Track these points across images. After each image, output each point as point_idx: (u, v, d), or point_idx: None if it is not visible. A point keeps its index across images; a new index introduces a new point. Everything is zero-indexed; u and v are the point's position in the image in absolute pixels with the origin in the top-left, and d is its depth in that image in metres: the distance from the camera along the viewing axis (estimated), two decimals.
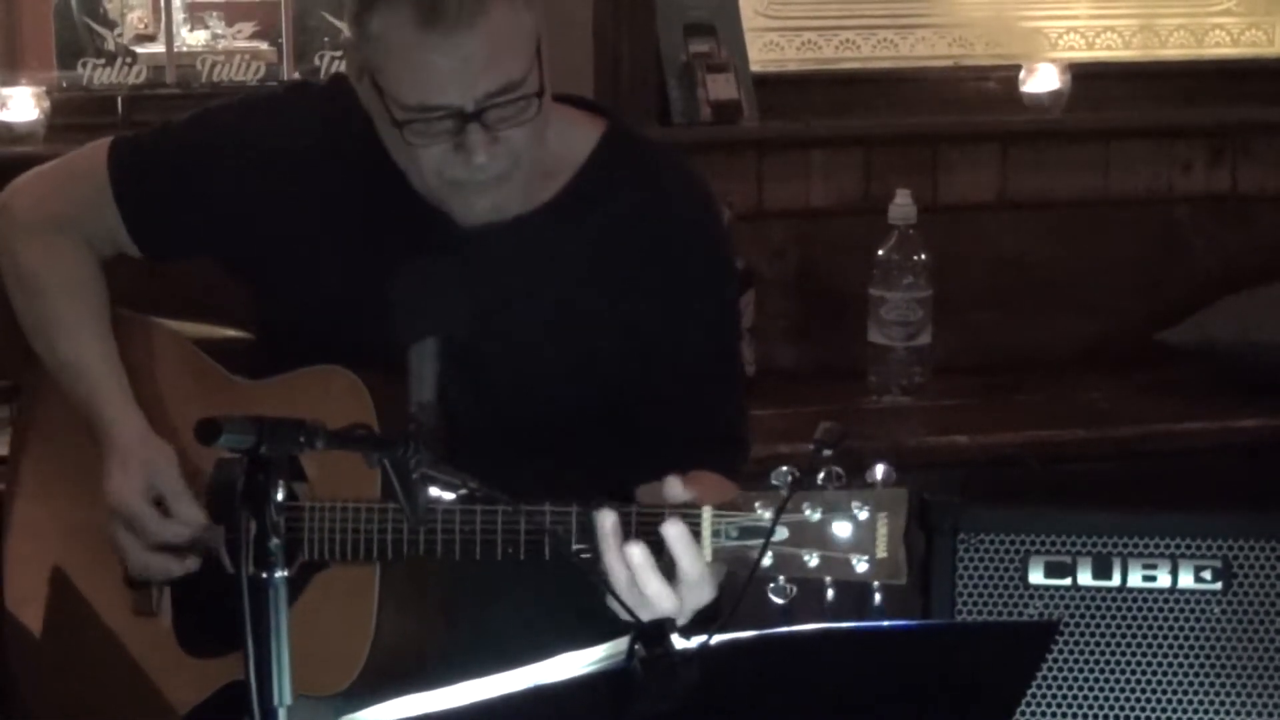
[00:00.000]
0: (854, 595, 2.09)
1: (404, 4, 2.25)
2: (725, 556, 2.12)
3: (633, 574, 2.13)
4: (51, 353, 2.59)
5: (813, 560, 2.08)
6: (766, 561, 2.09)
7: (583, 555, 2.16)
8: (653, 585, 2.13)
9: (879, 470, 2.07)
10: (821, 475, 2.06)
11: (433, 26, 2.24)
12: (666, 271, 2.45)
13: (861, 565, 2.07)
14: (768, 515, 2.08)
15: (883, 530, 2.07)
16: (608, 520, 2.15)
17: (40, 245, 2.59)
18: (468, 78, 2.26)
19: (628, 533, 2.14)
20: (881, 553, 2.08)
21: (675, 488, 2.15)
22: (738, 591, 2.08)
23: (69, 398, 2.57)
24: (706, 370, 2.48)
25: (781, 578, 2.09)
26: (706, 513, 2.13)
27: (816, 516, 2.08)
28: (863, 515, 2.07)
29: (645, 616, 2.08)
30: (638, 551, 2.13)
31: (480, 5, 2.24)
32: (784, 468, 2.06)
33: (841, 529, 2.07)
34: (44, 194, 2.62)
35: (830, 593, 2.08)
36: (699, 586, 2.14)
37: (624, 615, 2.07)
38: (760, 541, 2.08)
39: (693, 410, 2.44)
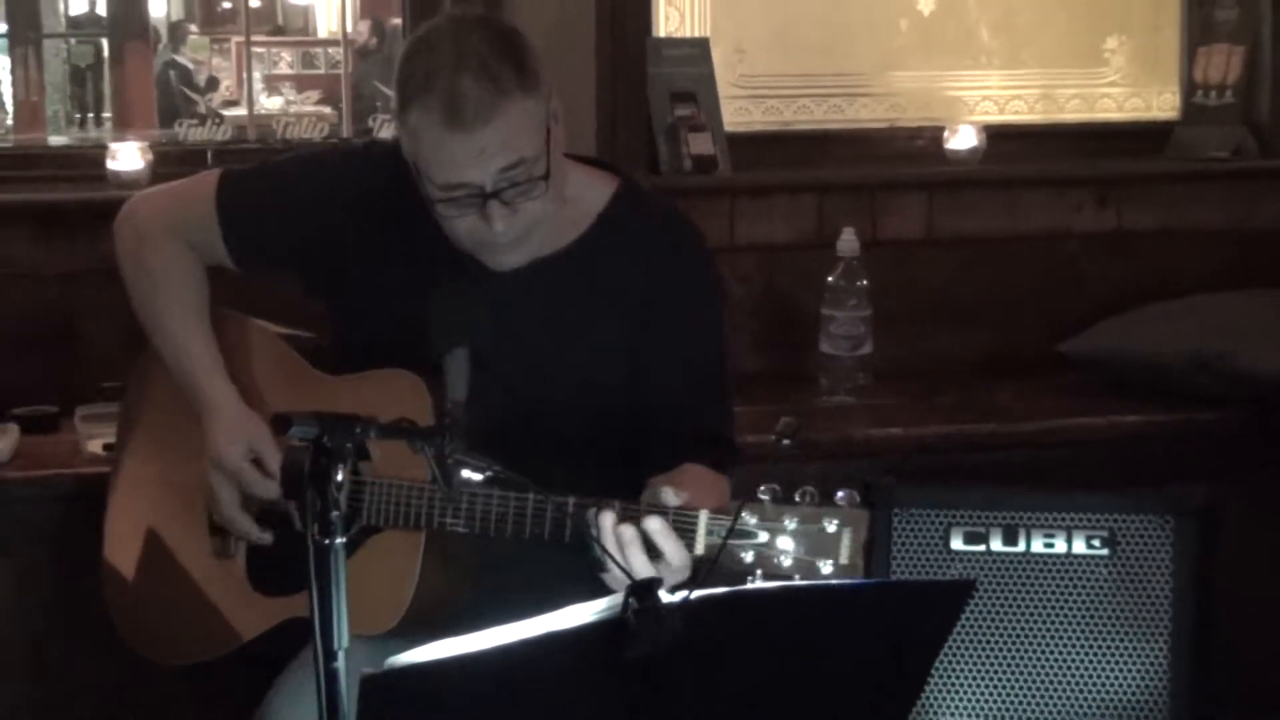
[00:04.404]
0: None
1: (433, 106, 2.27)
2: (715, 553, 2.13)
3: (622, 550, 2.14)
4: (163, 334, 2.60)
5: (786, 561, 2.09)
6: (748, 558, 2.10)
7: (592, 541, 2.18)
8: (638, 560, 2.14)
9: (845, 494, 2.09)
10: (799, 493, 2.08)
11: (455, 126, 2.26)
12: (669, 304, 2.46)
13: (826, 568, 2.08)
14: (752, 521, 2.09)
15: (846, 542, 2.08)
16: (607, 519, 2.17)
17: (157, 248, 2.61)
18: (484, 162, 2.28)
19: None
20: (844, 560, 2.09)
21: (668, 494, 2.17)
22: (709, 567, 2.10)
23: (174, 373, 2.58)
24: (699, 384, 2.48)
25: (759, 573, 2.09)
26: (703, 516, 2.15)
27: (793, 526, 2.08)
28: (831, 528, 2.08)
29: None
30: (627, 530, 2.15)
31: (494, 108, 2.26)
32: (770, 485, 2.09)
33: (813, 538, 2.08)
34: (162, 208, 2.65)
35: None
36: (679, 570, 2.15)
37: (618, 587, 2.09)
38: (744, 542, 2.10)
39: (686, 415, 2.43)
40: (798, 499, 2.07)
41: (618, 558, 2.14)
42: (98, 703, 3.12)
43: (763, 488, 2.09)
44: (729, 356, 2.58)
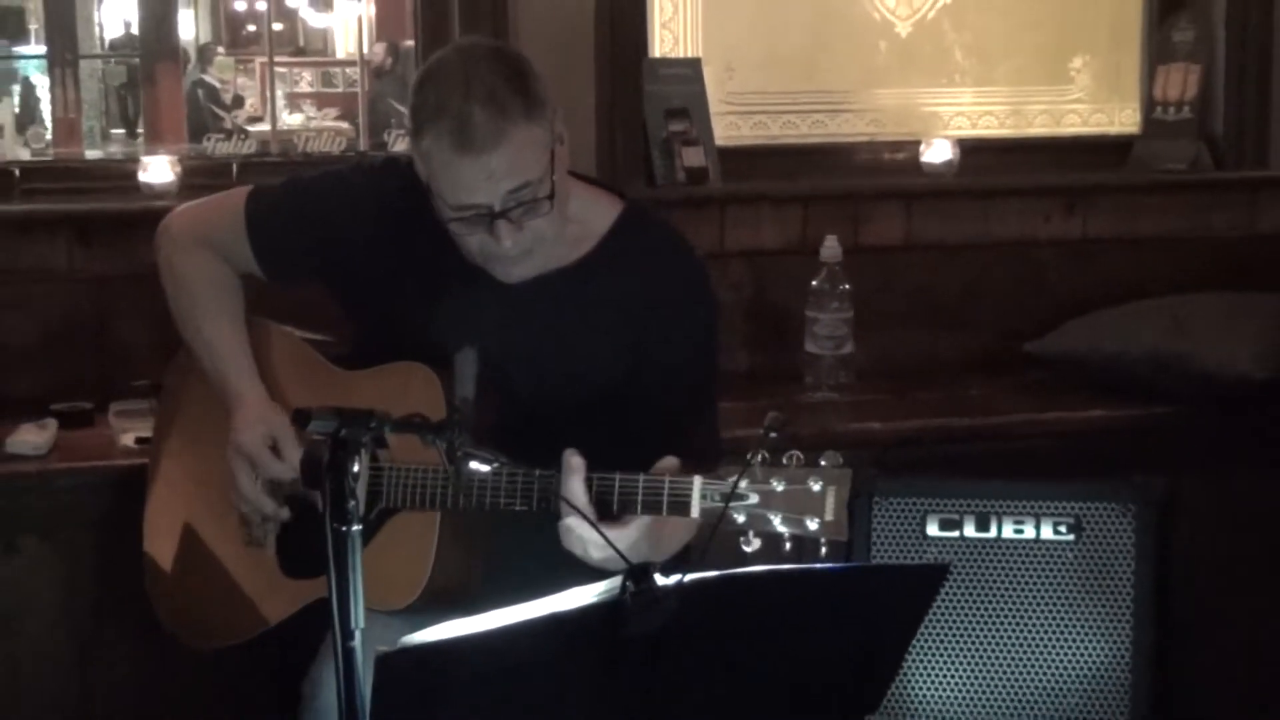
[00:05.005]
0: (806, 547, 2.10)
1: (444, 132, 2.27)
2: (709, 514, 2.14)
3: (566, 476, 2.19)
4: (197, 335, 2.62)
5: (776, 519, 2.09)
6: (740, 519, 2.11)
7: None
8: (578, 491, 2.19)
9: (830, 456, 2.10)
10: (785, 457, 2.08)
11: (465, 151, 2.27)
12: (667, 318, 2.47)
13: (813, 524, 2.09)
14: (744, 485, 2.10)
15: (830, 499, 2.09)
16: (574, 460, 2.22)
17: (192, 255, 2.63)
18: (492, 184, 2.29)
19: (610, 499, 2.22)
20: (829, 516, 2.09)
21: (669, 461, 2.22)
22: (709, 533, 2.13)
23: (206, 371, 2.60)
24: (690, 392, 2.48)
25: (751, 532, 2.10)
26: (697, 481, 2.15)
27: (780, 487, 2.09)
28: (816, 487, 2.08)
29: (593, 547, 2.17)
30: (573, 458, 2.21)
31: (501, 133, 2.26)
32: (760, 452, 2.09)
33: (799, 497, 2.08)
34: (197, 220, 2.67)
35: (788, 545, 2.10)
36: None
37: (611, 565, 2.10)
38: (737, 504, 2.11)
39: (678, 419, 2.44)
40: (785, 462, 2.09)
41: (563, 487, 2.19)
42: (136, 681, 3.12)
43: (752, 455, 2.09)
44: (718, 367, 2.59)
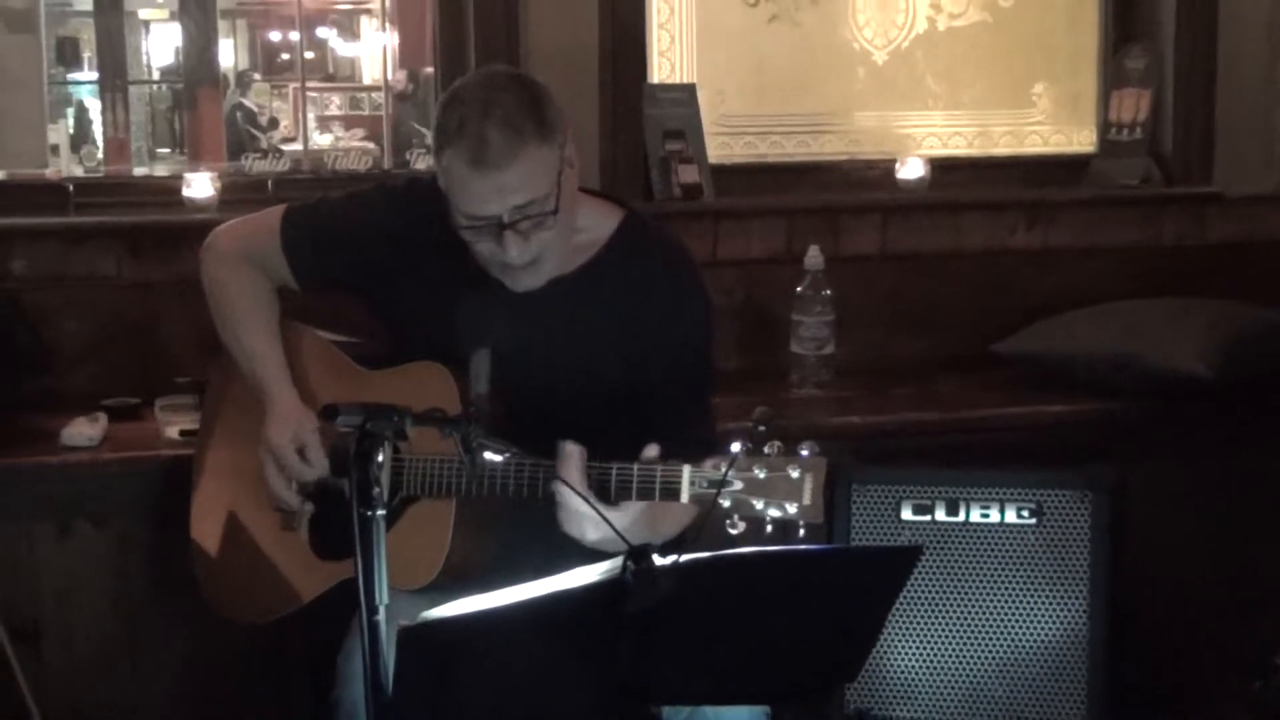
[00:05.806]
0: (787, 530, 2.11)
1: (462, 149, 2.28)
2: (698, 499, 2.14)
3: (562, 462, 2.19)
4: (236, 343, 2.62)
5: (759, 504, 2.09)
6: (726, 504, 2.11)
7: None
8: (574, 474, 2.18)
9: (808, 446, 2.10)
10: (766, 447, 2.08)
11: (480, 167, 2.28)
12: (663, 322, 2.47)
13: (792, 508, 2.09)
14: (729, 473, 2.10)
15: (808, 485, 2.09)
16: (569, 447, 2.22)
17: (232, 269, 2.64)
18: (502, 198, 2.30)
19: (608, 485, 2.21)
20: (807, 501, 2.09)
21: (651, 450, 2.20)
22: (703, 519, 2.14)
23: (244, 374, 2.61)
24: (687, 389, 2.48)
25: (736, 515, 2.10)
26: (686, 469, 2.15)
27: (763, 475, 2.09)
28: (795, 474, 2.08)
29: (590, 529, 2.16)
30: (569, 445, 2.21)
31: (513, 153, 2.28)
32: (740, 442, 2.09)
33: (780, 483, 2.08)
34: (237, 237, 2.67)
35: (769, 528, 2.10)
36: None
37: (607, 546, 2.10)
38: (723, 490, 2.10)
39: (675, 413, 2.44)
40: (766, 451, 2.09)
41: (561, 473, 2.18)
42: (182, 654, 3.12)
43: (735, 444, 2.10)
44: (713, 365, 2.58)
